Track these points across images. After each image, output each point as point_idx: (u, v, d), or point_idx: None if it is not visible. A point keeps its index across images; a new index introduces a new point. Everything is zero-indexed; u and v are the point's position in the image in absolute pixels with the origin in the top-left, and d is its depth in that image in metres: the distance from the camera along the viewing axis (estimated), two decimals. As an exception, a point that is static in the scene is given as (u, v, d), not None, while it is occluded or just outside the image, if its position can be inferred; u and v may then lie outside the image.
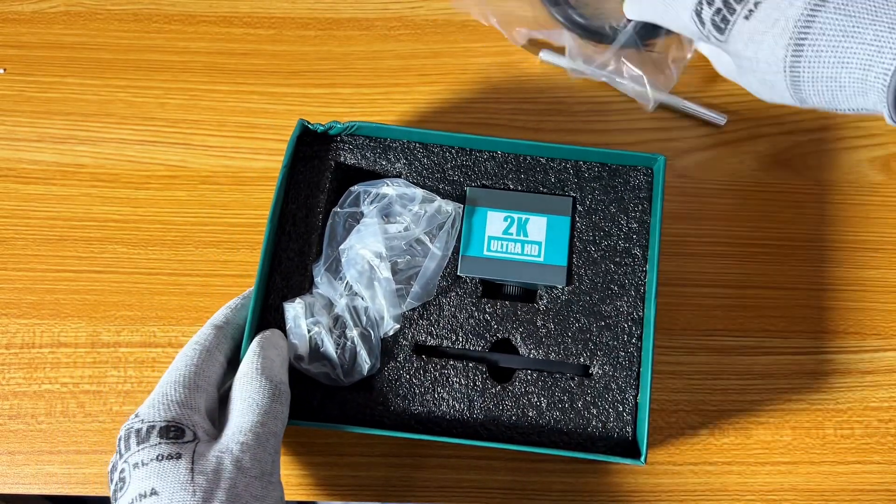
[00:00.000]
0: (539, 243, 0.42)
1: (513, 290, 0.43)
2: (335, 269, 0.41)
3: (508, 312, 0.42)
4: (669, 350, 0.46)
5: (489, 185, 0.43)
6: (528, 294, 0.43)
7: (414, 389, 0.41)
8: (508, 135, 0.49)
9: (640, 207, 0.43)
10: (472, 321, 0.41)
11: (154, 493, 0.32)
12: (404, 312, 0.41)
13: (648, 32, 0.48)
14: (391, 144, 0.44)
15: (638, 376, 0.41)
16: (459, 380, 0.41)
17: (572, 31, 0.50)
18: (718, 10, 0.37)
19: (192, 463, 0.33)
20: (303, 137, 0.43)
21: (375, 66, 0.51)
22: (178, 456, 0.33)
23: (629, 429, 0.40)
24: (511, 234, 0.42)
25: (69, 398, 0.45)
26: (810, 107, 0.38)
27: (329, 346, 0.40)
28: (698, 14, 0.38)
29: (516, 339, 0.41)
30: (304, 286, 0.41)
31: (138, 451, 0.33)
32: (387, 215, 0.42)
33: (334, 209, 0.42)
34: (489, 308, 0.42)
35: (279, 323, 0.40)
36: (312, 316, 0.40)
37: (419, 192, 0.42)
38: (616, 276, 0.42)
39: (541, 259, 0.42)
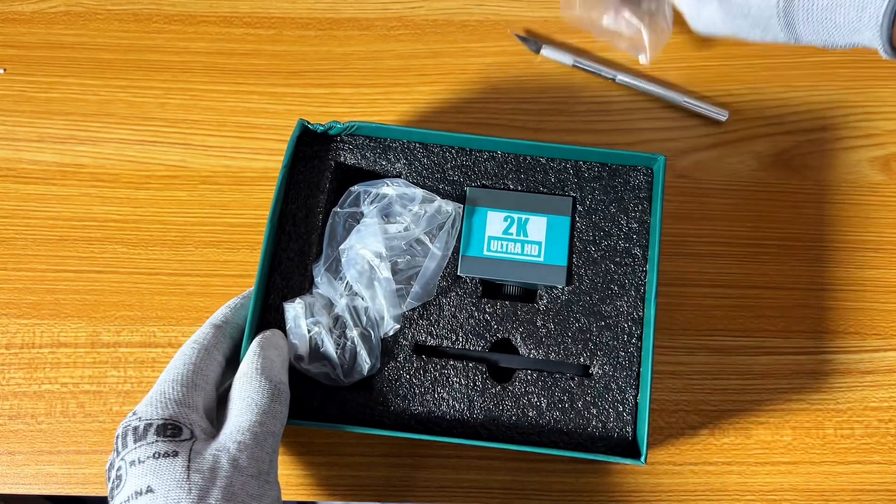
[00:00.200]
0: (539, 243, 0.42)
1: (513, 290, 0.43)
2: (335, 269, 0.41)
3: (508, 312, 0.42)
4: (669, 350, 0.46)
5: (489, 185, 0.43)
6: (528, 294, 0.43)
7: (414, 389, 0.41)
8: (508, 135, 0.49)
9: (640, 207, 0.43)
10: (472, 321, 0.41)
11: (150, 490, 0.32)
12: (404, 312, 0.41)
13: None
14: (391, 144, 0.44)
15: (638, 376, 0.41)
16: (459, 380, 0.41)
17: None
18: None
19: (189, 461, 0.33)
20: (303, 137, 0.43)
21: (375, 66, 0.51)
22: (175, 454, 0.33)
23: (629, 429, 0.40)
24: (511, 234, 0.42)
25: (69, 398, 0.45)
26: (805, 44, 0.38)
27: (329, 346, 0.40)
28: None
29: (516, 339, 0.41)
30: (304, 286, 0.41)
31: (135, 448, 0.33)
32: (387, 215, 0.42)
33: (334, 209, 0.42)
34: (489, 308, 0.42)
35: (279, 323, 0.40)
36: (312, 316, 0.40)
37: (419, 192, 0.42)
38: (616, 276, 0.42)
39: (541, 259, 0.42)
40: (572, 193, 0.43)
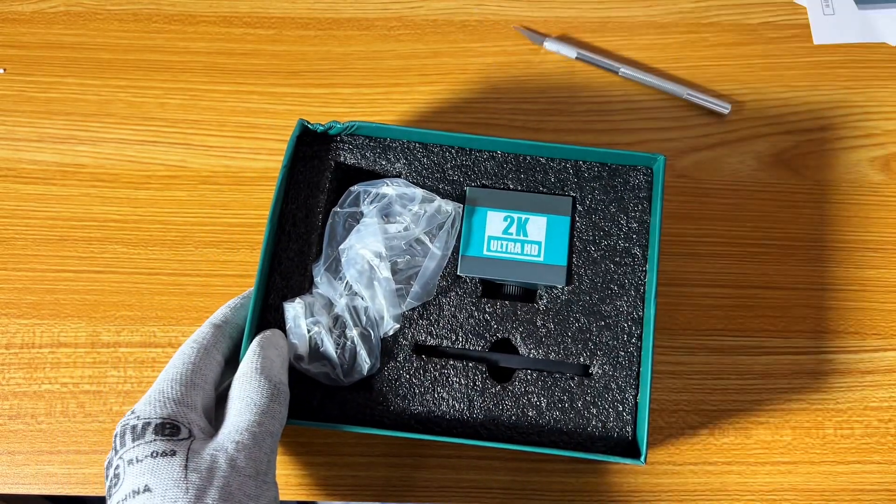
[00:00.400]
0: (539, 243, 0.42)
1: (513, 289, 0.43)
2: (335, 269, 0.41)
3: (508, 312, 0.42)
4: (669, 350, 0.46)
5: (489, 185, 0.43)
6: (528, 294, 0.43)
7: (414, 389, 0.41)
8: (508, 135, 0.49)
9: (640, 207, 0.43)
10: (472, 321, 0.41)
11: (147, 489, 0.32)
12: (404, 312, 0.41)
13: None
14: (391, 144, 0.44)
15: (638, 376, 0.41)
16: (459, 380, 0.41)
17: None
18: None
19: (187, 460, 0.33)
20: (303, 137, 0.43)
21: (375, 66, 0.51)
22: (173, 453, 0.33)
23: (629, 429, 0.40)
24: (511, 233, 0.42)
25: (69, 398, 0.45)
26: None
27: (329, 346, 0.40)
28: None
29: (516, 338, 0.41)
30: (304, 286, 0.41)
31: (133, 447, 0.33)
32: (387, 215, 0.42)
33: (334, 209, 0.42)
34: (489, 308, 0.42)
35: (279, 323, 0.40)
36: (312, 316, 0.40)
37: (419, 192, 0.42)
38: (616, 276, 0.42)
39: (541, 259, 0.42)
40: (572, 193, 0.43)
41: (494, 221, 0.43)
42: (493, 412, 0.40)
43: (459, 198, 0.43)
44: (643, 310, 0.41)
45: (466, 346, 0.41)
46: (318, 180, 0.43)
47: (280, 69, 0.51)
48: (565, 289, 0.42)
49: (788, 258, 0.47)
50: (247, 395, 0.36)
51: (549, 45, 0.51)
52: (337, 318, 0.41)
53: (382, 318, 0.41)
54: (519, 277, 0.42)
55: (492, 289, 0.43)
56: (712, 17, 0.53)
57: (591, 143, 0.49)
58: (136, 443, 0.33)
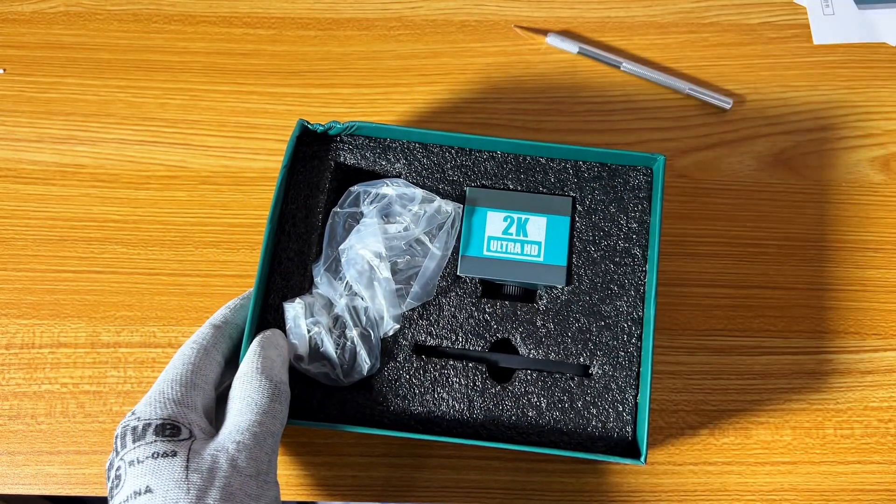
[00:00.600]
0: (539, 243, 0.42)
1: (513, 290, 0.43)
2: (335, 269, 0.41)
3: (508, 312, 0.42)
4: (669, 350, 0.46)
5: (489, 185, 0.43)
6: (527, 294, 0.43)
7: (414, 389, 0.41)
8: (508, 135, 0.49)
9: (640, 207, 0.43)
10: (471, 321, 0.41)
11: (149, 490, 0.32)
12: (404, 312, 0.41)
13: None
14: (391, 144, 0.44)
15: (638, 376, 0.41)
16: (459, 380, 0.41)
17: None
18: None
19: (188, 461, 0.33)
20: (302, 137, 0.43)
21: (375, 66, 0.51)
22: (174, 454, 0.33)
23: (629, 429, 0.40)
24: (511, 234, 0.42)
25: (69, 398, 0.45)
26: None
27: (329, 346, 0.40)
28: None
29: (516, 339, 0.41)
30: (304, 286, 0.41)
31: (134, 448, 0.33)
32: (387, 215, 0.42)
33: (334, 209, 0.42)
34: (489, 308, 0.42)
35: (279, 323, 0.40)
36: (312, 316, 0.40)
37: (419, 192, 0.42)
38: (616, 276, 0.42)
39: (540, 259, 0.42)
40: (572, 193, 0.43)
41: (494, 221, 0.43)
42: (493, 412, 0.40)
43: (459, 198, 0.43)
44: (643, 310, 0.41)
45: (466, 347, 0.41)
46: (318, 180, 0.43)
47: (280, 69, 0.51)
48: (565, 289, 0.42)
49: (788, 258, 0.47)
50: (247, 394, 0.36)
51: (552, 41, 0.51)
52: (337, 319, 0.41)
53: (382, 318, 0.41)
54: (519, 277, 0.42)
55: (492, 289, 0.43)
56: (712, 17, 0.53)
57: (591, 143, 0.49)
58: (137, 444, 0.33)
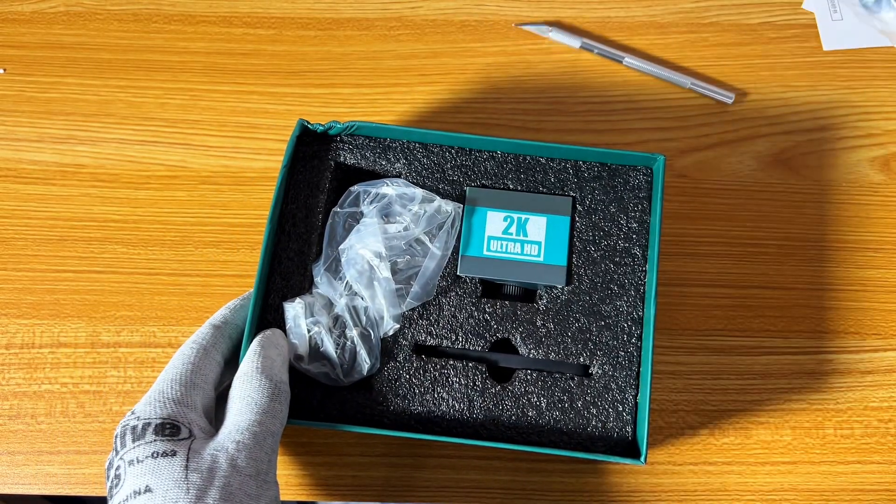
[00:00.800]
0: (539, 243, 0.42)
1: (513, 290, 0.43)
2: (335, 269, 0.41)
3: (508, 312, 0.42)
4: (669, 350, 0.46)
5: (489, 185, 0.43)
6: (527, 294, 0.43)
7: (414, 389, 0.41)
8: (508, 135, 0.49)
9: (640, 207, 0.43)
10: (471, 321, 0.41)
11: (148, 490, 0.32)
12: (404, 312, 0.41)
13: None
14: (391, 144, 0.44)
15: (638, 376, 0.41)
16: (459, 380, 0.41)
17: None
18: None
19: (187, 460, 0.33)
20: (303, 137, 0.43)
21: (375, 66, 0.51)
22: (173, 453, 0.33)
23: (629, 429, 0.40)
24: (511, 233, 0.42)
25: (69, 398, 0.45)
26: None
27: (329, 346, 0.40)
28: None
29: (516, 338, 0.41)
30: (304, 286, 0.41)
31: (133, 448, 0.33)
32: (387, 215, 0.42)
33: (334, 209, 0.42)
34: (489, 308, 0.42)
35: (279, 323, 0.40)
36: (312, 316, 0.40)
37: (419, 192, 0.42)
38: (616, 276, 0.42)
39: (540, 259, 0.42)
40: (572, 193, 0.43)
41: (494, 221, 0.43)
42: (493, 412, 0.40)
43: (459, 198, 0.43)
44: (643, 310, 0.41)
45: (466, 346, 0.41)
46: (318, 180, 0.43)
47: (280, 69, 0.51)
48: (565, 289, 0.42)
49: (788, 258, 0.47)
50: (247, 394, 0.36)
51: (554, 35, 0.51)
52: (337, 318, 0.41)
53: (382, 318, 0.41)
54: (519, 277, 0.42)
55: (492, 289, 0.43)
56: (712, 17, 0.53)
57: (591, 143, 0.49)
58: (137, 443, 0.33)
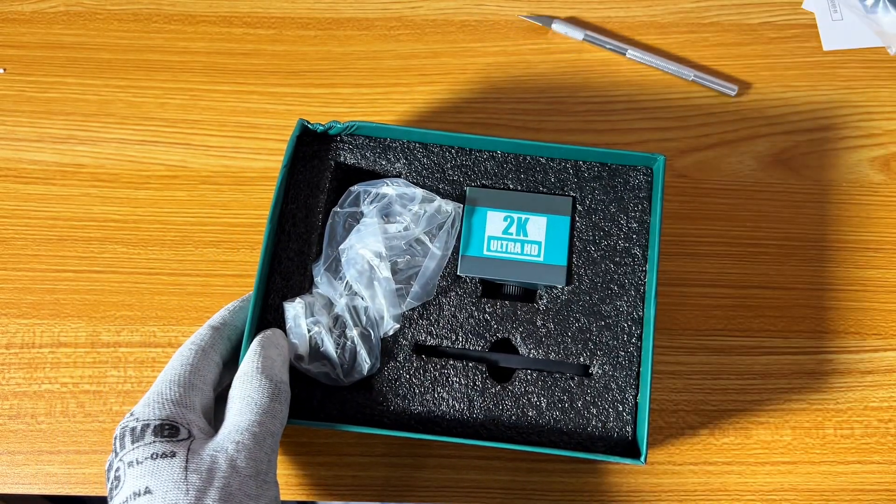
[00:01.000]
0: (539, 243, 0.42)
1: (513, 289, 0.43)
2: (335, 269, 0.41)
3: (508, 312, 0.42)
4: (669, 350, 0.46)
5: (489, 185, 0.43)
6: (528, 294, 0.43)
7: (414, 389, 0.41)
8: (508, 135, 0.49)
9: (640, 207, 0.43)
10: (472, 321, 0.41)
11: (148, 491, 0.32)
12: (404, 312, 0.41)
13: None
14: (391, 144, 0.44)
15: (638, 376, 0.41)
16: (459, 380, 0.41)
17: None
18: None
19: (187, 461, 0.33)
20: (303, 137, 0.43)
21: (375, 66, 0.51)
22: (173, 454, 0.33)
23: (629, 429, 0.40)
24: (511, 233, 0.42)
25: (69, 398, 0.45)
26: None
27: (329, 346, 0.40)
28: None
29: (516, 338, 0.41)
30: (304, 286, 0.41)
31: (133, 449, 0.33)
32: (387, 215, 0.42)
33: (334, 209, 0.42)
34: (489, 308, 0.42)
35: (279, 323, 0.40)
36: (312, 316, 0.40)
37: (419, 192, 0.42)
38: (616, 276, 0.42)
39: (541, 259, 0.42)
40: (572, 193, 0.43)
41: (494, 221, 0.43)
42: (493, 412, 0.40)
43: (459, 198, 0.43)
44: (643, 310, 0.41)
45: (466, 346, 0.41)
46: (318, 180, 0.43)
47: (280, 69, 0.51)
48: (565, 289, 0.42)
49: (788, 258, 0.47)
50: (247, 394, 0.36)
51: (557, 27, 0.51)
52: (337, 318, 0.41)
53: (382, 318, 0.41)
54: (519, 277, 0.42)
55: (492, 289, 0.43)
56: (712, 17, 0.53)
57: (591, 143, 0.49)
58: (136, 445, 0.33)
